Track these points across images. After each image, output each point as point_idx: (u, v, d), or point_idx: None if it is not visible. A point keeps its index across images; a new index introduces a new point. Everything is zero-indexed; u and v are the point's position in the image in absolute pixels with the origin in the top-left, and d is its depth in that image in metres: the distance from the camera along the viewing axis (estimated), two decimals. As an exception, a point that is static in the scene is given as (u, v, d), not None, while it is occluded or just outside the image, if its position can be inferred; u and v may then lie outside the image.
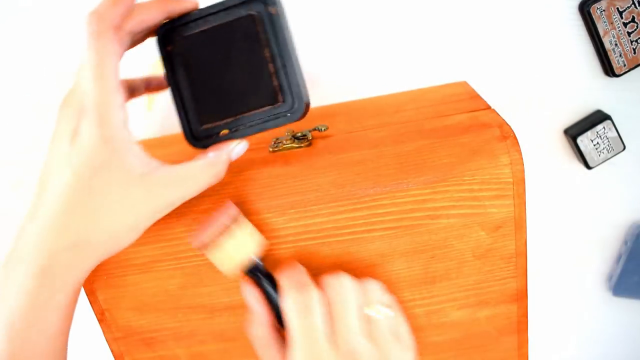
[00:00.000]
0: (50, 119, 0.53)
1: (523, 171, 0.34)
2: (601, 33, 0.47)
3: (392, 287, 0.38)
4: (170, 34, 0.37)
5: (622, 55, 0.48)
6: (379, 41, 0.50)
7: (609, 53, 0.48)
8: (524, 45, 0.49)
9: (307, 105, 0.36)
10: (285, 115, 0.36)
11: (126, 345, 0.41)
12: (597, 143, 0.51)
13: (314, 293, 0.33)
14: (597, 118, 0.51)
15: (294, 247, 0.36)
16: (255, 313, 0.35)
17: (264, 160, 0.39)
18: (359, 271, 0.37)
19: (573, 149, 0.53)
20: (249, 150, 0.41)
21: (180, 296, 0.39)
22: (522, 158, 0.34)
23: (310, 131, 0.41)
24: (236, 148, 0.36)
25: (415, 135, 0.38)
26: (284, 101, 0.36)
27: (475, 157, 0.35)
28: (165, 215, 0.37)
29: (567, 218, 0.57)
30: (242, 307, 0.39)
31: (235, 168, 0.39)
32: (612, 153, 0.52)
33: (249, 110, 0.37)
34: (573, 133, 0.52)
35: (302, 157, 0.38)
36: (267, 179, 0.37)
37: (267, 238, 0.36)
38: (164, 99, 0.53)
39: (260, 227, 0.36)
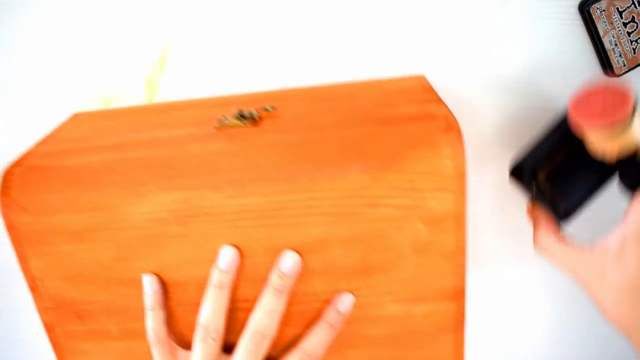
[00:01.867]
0: (49, 118, 0.52)
1: (464, 165, 0.34)
2: (601, 33, 0.46)
3: (329, 275, 0.37)
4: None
5: (622, 55, 0.47)
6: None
7: (609, 53, 0.47)
8: (524, 45, 0.49)
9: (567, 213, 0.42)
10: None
11: (57, 316, 0.40)
12: (598, 143, 0.51)
13: None
14: (597, 118, 0.50)
15: (234, 226, 0.36)
16: None
17: (208, 136, 0.39)
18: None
19: (573, 149, 0.52)
20: (194, 126, 0.41)
21: (113, 269, 0.38)
22: (464, 152, 0.34)
23: (257, 111, 0.40)
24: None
25: (360, 121, 0.37)
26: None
27: (417, 147, 0.34)
28: (99, 183, 0.36)
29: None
30: (177, 285, 0.38)
31: (178, 142, 0.38)
32: (612, 153, 0.51)
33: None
34: (573, 133, 0.51)
35: (246, 135, 0.38)
36: (208, 155, 0.36)
37: (203, 215, 0.36)
38: (163, 97, 0.52)
39: (197, 202, 0.35)
